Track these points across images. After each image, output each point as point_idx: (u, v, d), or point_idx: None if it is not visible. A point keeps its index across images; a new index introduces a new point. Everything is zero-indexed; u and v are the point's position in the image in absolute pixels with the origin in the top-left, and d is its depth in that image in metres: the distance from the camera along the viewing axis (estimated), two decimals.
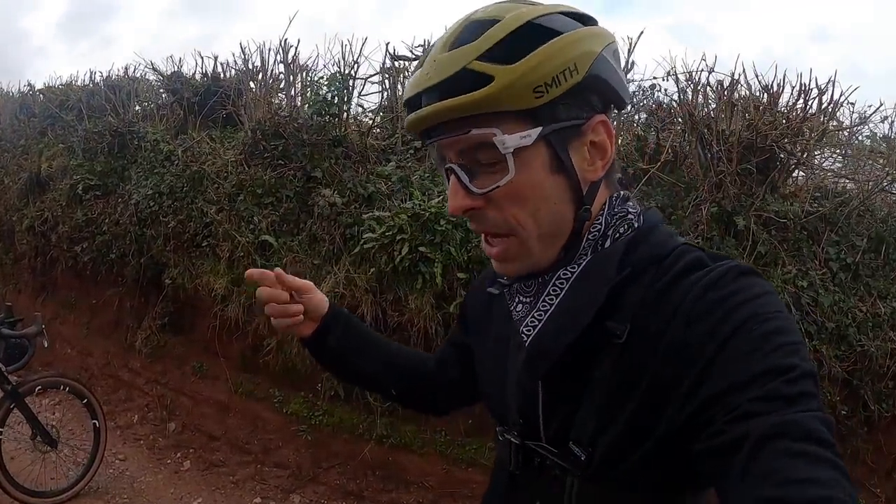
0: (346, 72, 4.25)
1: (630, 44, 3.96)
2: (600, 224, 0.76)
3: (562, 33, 0.69)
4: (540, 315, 0.75)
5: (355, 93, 4.38)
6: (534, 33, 0.68)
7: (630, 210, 0.78)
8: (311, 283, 1.02)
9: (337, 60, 4.43)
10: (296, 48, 4.61)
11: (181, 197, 4.45)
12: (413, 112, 0.72)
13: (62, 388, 3.53)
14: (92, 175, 4.98)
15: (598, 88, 0.73)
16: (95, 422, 3.59)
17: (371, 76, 4.56)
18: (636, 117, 4.50)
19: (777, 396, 0.56)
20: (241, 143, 4.38)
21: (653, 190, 3.40)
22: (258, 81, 4.79)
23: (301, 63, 4.65)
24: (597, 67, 0.71)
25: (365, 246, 3.46)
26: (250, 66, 4.87)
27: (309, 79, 4.64)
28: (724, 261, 0.70)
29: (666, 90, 4.24)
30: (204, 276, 4.15)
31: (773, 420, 0.55)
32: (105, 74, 6.47)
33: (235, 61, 5.19)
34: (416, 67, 0.74)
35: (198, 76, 5.24)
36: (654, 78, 4.23)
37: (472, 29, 0.69)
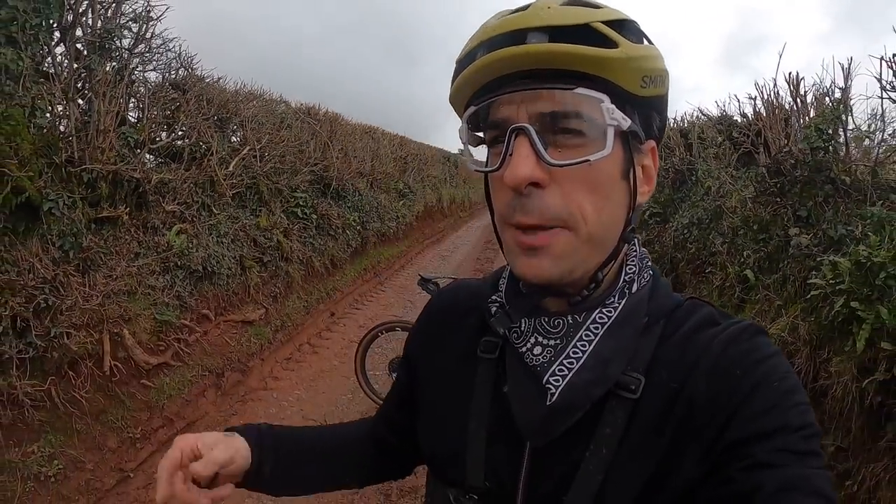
0: (838, 96, 3.81)
1: None
2: (634, 265, 0.72)
3: (652, 43, 0.67)
4: (571, 363, 0.66)
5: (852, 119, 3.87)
6: (638, 31, 0.66)
7: (646, 254, 0.75)
8: (229, 445, 0.81)
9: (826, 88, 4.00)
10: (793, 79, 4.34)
11: (703, 227, 5.05)
12: (509, 47, 0.61)
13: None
14: (656, 204, 6.14)
15: (661, 111, 0.70)
16: None
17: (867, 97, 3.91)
18: None
19: (792, 451, 0.56)
20: (754, 181, 4.60)
21: None
22: (773, 118, 4.75)
23: (806, 94, 4.36)
24: (668, 90, 0.69)
25: (812, 293, 3.28)
26: (765, 104, 4.87)
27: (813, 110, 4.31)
28: (734, 319, 0.70)
29: None
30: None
31: (787, 473, 0.55)
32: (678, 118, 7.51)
33: (751, 99, 5.27)
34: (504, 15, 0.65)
35: (738, 116, 5.57)
36: None
37: (579, 2, 0.64)
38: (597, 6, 0.63)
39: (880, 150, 3.89)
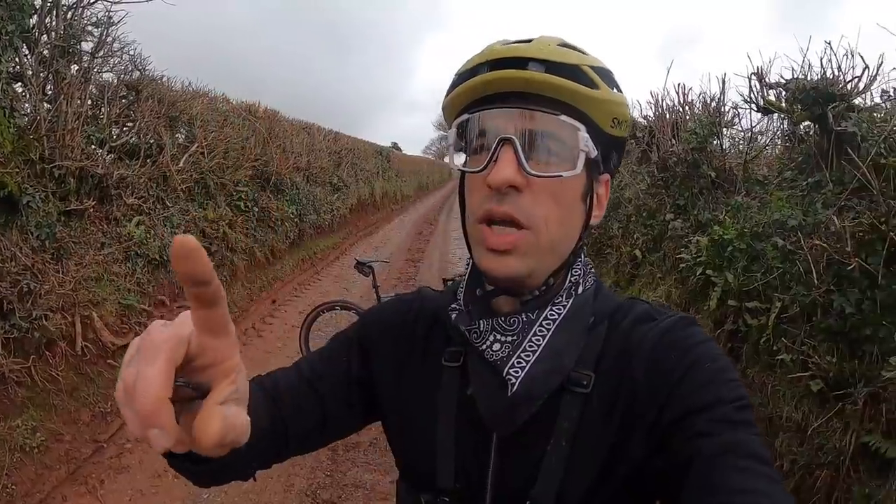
0: (714, 105, 4.85)
1: None
2: (579, 270, 0.78)
3: (623, 92, 0.77)
4: (528, 355, 0.72)
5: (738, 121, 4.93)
6: (613, 79, 0.75)
7: (590, 263, 0.83)
8: (236, 347, 0.46)
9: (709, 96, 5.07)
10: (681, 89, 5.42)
11: (605, 216, 5.98)
12: (511, 70, 0.70)
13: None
14: None
15: (619, 152, 0.81)
16: None
17: (738, 106, 4.97)
18: None
19: (727, 420, 0.62)
20: (647, 176, 5.58)
21: None
22: (663, 122, 5.78)
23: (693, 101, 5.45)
24: (628, 136, 0.80)
25: (682, 265, 4.22)
26: (658, 110, 5.95)
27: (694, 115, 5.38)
28: (668, 313, 0.76)
29: None
30: (602, 277, 5.60)
31: (723, 439, 0.60)
32: None
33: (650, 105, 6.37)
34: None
35: (641, 119, 6.59)
36: None
37: (570, 46, 0.73)
38: (585, 53, 0.74)
39: (749, 150, 4.90)
